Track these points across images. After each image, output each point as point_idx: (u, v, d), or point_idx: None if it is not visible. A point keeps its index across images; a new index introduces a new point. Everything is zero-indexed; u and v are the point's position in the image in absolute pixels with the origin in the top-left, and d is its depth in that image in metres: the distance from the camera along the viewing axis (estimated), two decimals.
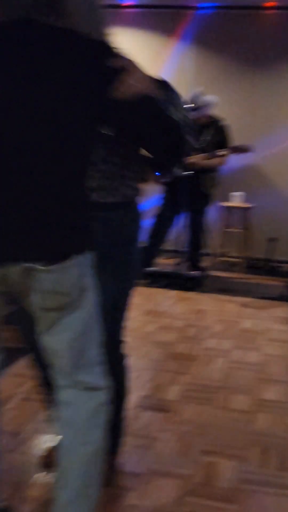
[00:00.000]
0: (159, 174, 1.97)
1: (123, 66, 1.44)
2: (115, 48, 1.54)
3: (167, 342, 3.53)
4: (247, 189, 5.93)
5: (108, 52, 1.45)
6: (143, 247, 5.29)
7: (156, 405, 2.65)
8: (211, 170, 5.18)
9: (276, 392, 2.86)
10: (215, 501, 1.95)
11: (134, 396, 2.70)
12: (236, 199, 5.74)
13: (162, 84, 1.76)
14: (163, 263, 5.50)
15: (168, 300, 4.50)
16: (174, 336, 3.65)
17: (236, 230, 5.81)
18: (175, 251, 4.93)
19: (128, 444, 2.27)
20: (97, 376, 1.56)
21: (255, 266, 5.91)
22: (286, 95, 5.92)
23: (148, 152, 1.73)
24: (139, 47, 6.19)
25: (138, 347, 3.38)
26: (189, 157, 5.01)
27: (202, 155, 5.07)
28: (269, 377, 3.06)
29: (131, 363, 3.09)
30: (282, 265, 5.80)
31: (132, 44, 6.13)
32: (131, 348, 3.36)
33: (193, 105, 4.98)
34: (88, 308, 1.51)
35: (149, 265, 5.14)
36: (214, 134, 5.16)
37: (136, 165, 1.83)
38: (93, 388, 1.54)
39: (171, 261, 5.18)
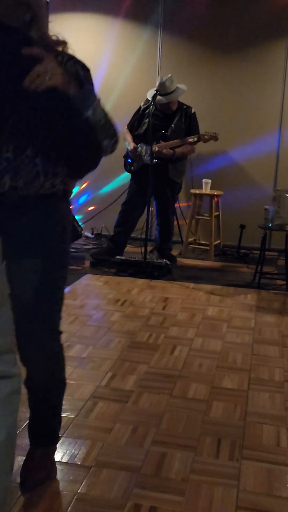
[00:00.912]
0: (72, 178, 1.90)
1: (33, 55, 1.41)
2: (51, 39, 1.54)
3: (130, 331, 3.51)
4: (217, 176, 5.91)
5: (25, 41, 1.42)
6: (112, 236, 5.32)
7: (112, 395, 2.63)
8: (179, 157, 5.14)
9: (234, 380, 2.86)
10: (163, 493, 1.93)
11: (90, 387, 2.68)
12: (206, 187, 5.71)
13: (82, 79, 1.69)
14: (131, 252, 5.48)
15: (135, 289, 4.47)
16: (138, 325, 3.62)
17: (206, 218, 5.79)
18: (144, 240, 4.89)
19: (80, 436, 2.26)
20: (8, 364, 1.54)
21: (226, 253, 5.91)
22: (255, 80, 5.88)
23: (59, 153, 1.71)
24: (104, 32, 6.13)
25: (100, 337, 3.35)
26: (157, 145, 4.96)
27: (170, 142, 5.02)
28: (228, 365, 3.06)
29: (91, 353, 3.09)
30: (252, 252, 5.81)
31: (96, 29, 6.08)
32: (92, 338, 3.35)
33: (160, 91, 4.94)
34: None
35: (117, 254, 5.10)
36: (183, 122, 5.11)
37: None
38: (4, 376, 1.52)
39: (139, 249, 5.14)
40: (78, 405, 2.51)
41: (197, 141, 5.14)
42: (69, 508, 1.84)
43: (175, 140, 5.04)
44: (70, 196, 1.93)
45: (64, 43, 1.74)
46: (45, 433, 2.04)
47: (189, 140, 5.07)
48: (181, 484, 1.99)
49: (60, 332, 1.96)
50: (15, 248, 1.77)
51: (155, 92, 4.92)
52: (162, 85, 4.92)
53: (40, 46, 1.66)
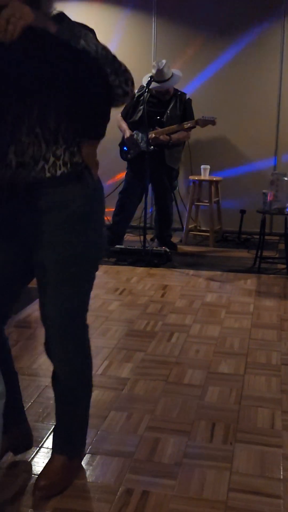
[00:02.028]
0: (96, 134, 1.71)
1: None
2: None
3: (128, 319, 3.51)
4: (215, 162, 5.88)
5: None
6: (110, 225, 5.31)
7: (108, 383, 2.64)
8: (176, 144, 5.12)
9: (230, 365, 2.86)
10: (155, 477, 1.95)
11: None
12: (205, 172, 5.68)
13: (58, 17, 1.59)
14: (131, 240, 5.48)
15: (135, 277, 4.47)
16: (136, 313, 3.63)
17: (205, 204, 5.78)
18: (143, 228, 4.88)
19: None
20: None
21: (227, 239, 5.89)
22: (251, 62, 5.83)
23: (70, 104, 1.59)
24: (98, 19, 6.08)
25: (97, 326, 3.36)
26: (153, 131, 4.94)
27: (167, 128, 5.00)
28: (225, 350, 3.06)
29: (90, 342, 3.10)
30: (253, 237, 5.79)
31: (89, 16, 6.03)
32: (90, 327, 3.35)
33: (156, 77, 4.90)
34: None
35: (117, 243, 5.10)
36: (178, 108, 5.08)
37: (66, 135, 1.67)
38: None
39: (139, 238, 5.13)
40: None
41: (194, 126, 5.11)
42: (61, 494, 1.86)
43: (172, 126, 5.01)
44: (94, 173, 1.74)
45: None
46: (68, 440, 1.94)
47: (187, 125, 5.04)
48: (173, 468, 2.00)
49: (87, 326, 1.90)
50: (38, 240, 1.72)
51: (149, 78, 4.89)
52: (160, 71, 4.87)
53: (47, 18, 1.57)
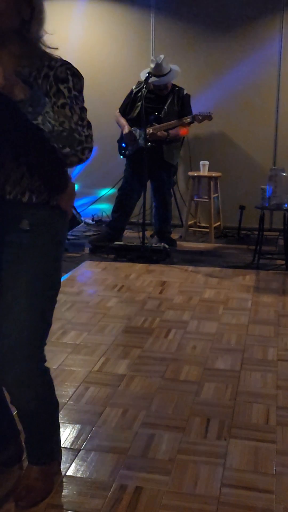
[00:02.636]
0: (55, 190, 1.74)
1: None
2: None
3: (126, 316, 3.52)
4: (215, 157, 5.87)
5: None
6: (109, 222, 5.30)
7: (104, 380, 2.65)
8: (174, 140, 5.12)
9: (227, 361, 2.87)
10: (149, 473, 1.96)
11: (82, 372, 2.71)
12: (204, 168, 5.68)
13: (31, 83, 1.61)
14: (131, 237, 5.48)
15: (133, 273, 4.48)
16: (134, 309, 3.64)
17: (205, 200, 5.77)
18: (142, 224, 4.89)
19: (70, 420, 2.29)
20: None
21: (226, 235, 5.89)
22: (250, 57, 5.81)
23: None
24: (96, 16, 6.07)
25: (95, 323, 3.37)
26: (151, 127, 4.94)
27: (165, 124, 4.99)
28: (222, 346, 3.07)
29: (86, 339, 3.12)
30: (253, 232, 5.78)
31: (88, 13, 6.03)
32: (87, 324, 3.38)
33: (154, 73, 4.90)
34: None
35: (116, 239, 5.11)
36: (175, 103, 5.07)
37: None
38: None
39: (138, 234, 5.14)
40: (70, 390, 2.53)
41: (191, 122, 5.11)
42: (54, 490, 1.87)
43: (171, 121, 5.01)
44: (67, 214, 1.78)
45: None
46: (41, 452, 1.90)
47: (187, 120, 5.05)
48: (167, 464, 2.01)
49: (43, 359, 1.80)
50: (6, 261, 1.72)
51: (147, 74, 4.88)
52: (158, 66, 4.87)
53: (35, 47, 1.63)
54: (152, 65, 4.90)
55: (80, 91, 1.68)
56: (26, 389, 1.76)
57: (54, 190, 1.70)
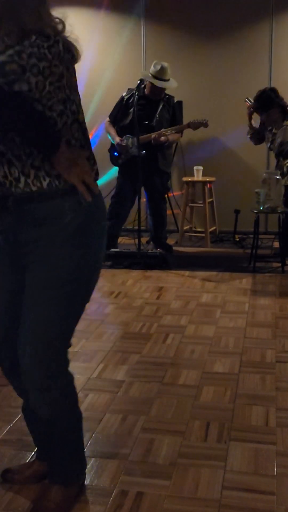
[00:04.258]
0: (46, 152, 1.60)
1: None
2: None
3: (123, 322, 3.52)
4: (208, 162, 5.90)
5: None
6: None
7: (103, 386, 2.65)
8: (170, 146, 5.14)
9: (225, 364, 2.87)
10: (149, 478, 1.96)
11: (81, 379, 2.70)
12: (198, 173, 5.70)
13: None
14: (127, 244, 5.49)
15: (130, 280, 4.49)
16: (131, 315, 3.64)
17: (200, 205, 5.79)
18: (137, 231, 4.90)
19: None
20: None
21: (222, 239, 5.91)
22: (241, 63, 5.85)
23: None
24: (87, 26, 6.10)
25: (92, 330, 3.37)
26: (155, 133, 4.94)
27: (170, 128, 5.02)
28: (220, 349, 3.07)
29: (84, 346, 3.12)
30: (249, 236, 5.79)
31: (79, 23, 6.03)
32: (85, 331, 3.38)
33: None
34: None
35: (111, 247, 5.11)
36: (167, 111, 5.10)
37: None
38: None
39: (134, 241, 5.15)
40: None
41: (187, 127, 5.14)
42: None
43: (175, 127, 5.05)
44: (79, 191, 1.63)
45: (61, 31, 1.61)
46: (60, 470, 1.83)
47: (182, 128, 5.10)
48: (168, 469, 2.01)
49: (67, 362, 1.75)
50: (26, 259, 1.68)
51: (139, 81, 4.88)
52: (163, 69, 4.87)
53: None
54: (158, 67, 4.87)
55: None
56: (45, 393, 1.69)
57: (42, 149, 1.58)
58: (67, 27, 1.65)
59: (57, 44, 1.57)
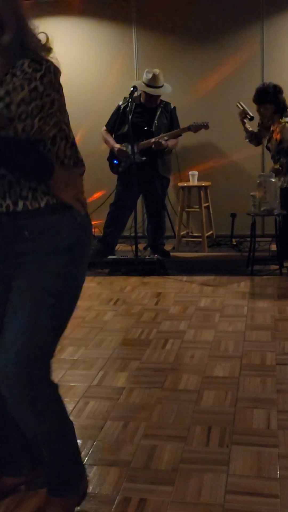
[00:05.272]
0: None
1: None
2: None
3: (122, 329, 3.52)
4: (204, 167, 5.92)
5: None
6: (102, 237, 5.31)
7: (103, 393, 2.64)
8: (169, 151, 5.16)
9: (225, 368, 2.87)
10: (152, 485, 1.95)
11: (81, 387, 2.70)
12: (193, 179, 5.71)
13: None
14: (124, 250, 5.49)
15: (128, 286, 4.48)
16: (131, 322, 3.64)
17: (196, 210, 5.80)
18: (134, 237, 4.90)
19: None
20: None
21: (219, 243, 5.91)
22: (233, 67, 5.88)
23: None
24: (78, 35, 6.14)
25: (92, 337, 3.36)
26: (157, 137, 4.95)
27: (171, 132, 5.03)
28: (220, 353, 3.07)
29: (83, 354, 3.11)
30: (246, 239, 5.80)
31: (70, 32, 6.09)
32: (84, 339, 3.37)
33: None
34: None
35: (109, 254, 5.11)
36: (165, 117, 5.12)
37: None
38: None
39: (131, 248, 5.15)
40: (70, 406, 2.52)
41: (187, 130, 5.16)
42: None
43: (176, 130, 5.06)
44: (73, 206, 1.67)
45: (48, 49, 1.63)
46: (55, 479, 1.79)
47: (181, 132, 5.12)
48: (170, 474, 2.00)
49: (51, 371, 1.72)
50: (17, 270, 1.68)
51: (132, 88, 4.91)
52: (155, 77, 4.91)
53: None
54: (149, 75, 4.92)
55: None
56: (29, 391, 1.64)
57: (38, 178, 1.61)
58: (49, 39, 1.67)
59: (49, 70, 1.56)
